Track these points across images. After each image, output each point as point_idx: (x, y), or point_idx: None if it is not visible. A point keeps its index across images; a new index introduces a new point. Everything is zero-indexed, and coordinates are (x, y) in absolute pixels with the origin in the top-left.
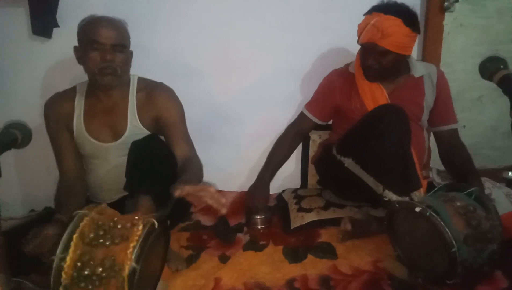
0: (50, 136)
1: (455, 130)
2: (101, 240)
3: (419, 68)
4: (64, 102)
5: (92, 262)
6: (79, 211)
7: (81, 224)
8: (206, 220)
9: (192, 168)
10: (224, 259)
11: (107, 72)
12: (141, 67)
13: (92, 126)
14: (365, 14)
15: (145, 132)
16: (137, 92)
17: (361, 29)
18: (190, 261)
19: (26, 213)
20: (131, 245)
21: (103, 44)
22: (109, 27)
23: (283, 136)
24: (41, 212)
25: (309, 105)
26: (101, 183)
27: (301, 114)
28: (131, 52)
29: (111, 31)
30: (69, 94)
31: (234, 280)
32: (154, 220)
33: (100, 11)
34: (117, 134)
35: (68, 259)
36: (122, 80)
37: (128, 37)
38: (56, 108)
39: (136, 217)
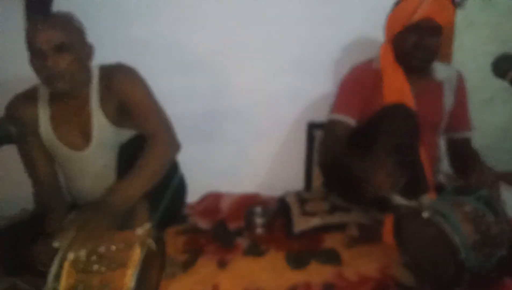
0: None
1: (469, 140)
2: (96, 266)
3: (440, 71)
4: (26, 105)
5: None
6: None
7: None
8: (204, 223)
9: (140, 165)
10: (223, 264)
11: (53, 81)
12: (140, 61)
13: (61, 132)
14: None
15: (115, 129)
16: (98, 84)
17: (415, 7)
18: (187, 265)
19: (18, 212)
20: (129, 272)
21: (42, 50)
22: (46, 28)
23: (326, 155)
24: (32, 211)
25: (341, 109)
26: (86, 193)
27: (333, 123)
28: (89, 46)
29: (48, 32)
30: (30, 95)
31: (233, 287)
32: (151, 241)
33: (96, 4)
34: (87, 136)
35: (60, 288)
36: (78, 81)
37: (78, 32)
38: (18, 113)
39: (132, 239)
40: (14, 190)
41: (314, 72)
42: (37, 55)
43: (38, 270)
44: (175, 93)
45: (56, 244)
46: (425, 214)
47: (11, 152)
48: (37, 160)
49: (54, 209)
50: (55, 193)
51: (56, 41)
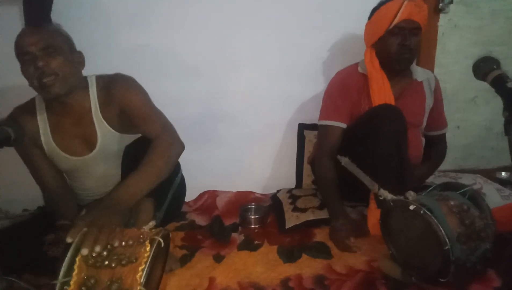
0: (20, 155)
1: (444, 134)
2: (107, 262)
3: (420, 73)
4: (26, 117)
5: (97, 286)
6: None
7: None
8: (201, 220)
9: (145, 163)
10: (218, 258)
11: (47, 85)
12: (137, 66)
13: (63, 142)
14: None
15: (118, 135)
16: (97, 93)
17: (395, 10)
18: (185, 260)
19: (19, 212)
20: (140, 268)
21: (31, 53)
22: (33, 33)
23: (321, 166)
24: (34, 211)
25: (331, 116)
26: (90, 194)
27: (326, 129)
28: (79, 53)
29: (36, 35)
30: (29, 108)
31: (228, 280)
32: (160, 239)
33: (93, 10)
34: (91, 144)
35: (72, 283)
36: (72, 84)
37: (65, 38)
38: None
39: (141, 235)
40: (15, 190)
41: (303, 78)
42: (27, 60)
43: (38, 269)
44: (171, 98)
45: (69, 239)
46: (412, 207)
47: (12, 153)
48: (41, 167)
49: (65, 212)
50: (64, 196)
51: (44, 43)
